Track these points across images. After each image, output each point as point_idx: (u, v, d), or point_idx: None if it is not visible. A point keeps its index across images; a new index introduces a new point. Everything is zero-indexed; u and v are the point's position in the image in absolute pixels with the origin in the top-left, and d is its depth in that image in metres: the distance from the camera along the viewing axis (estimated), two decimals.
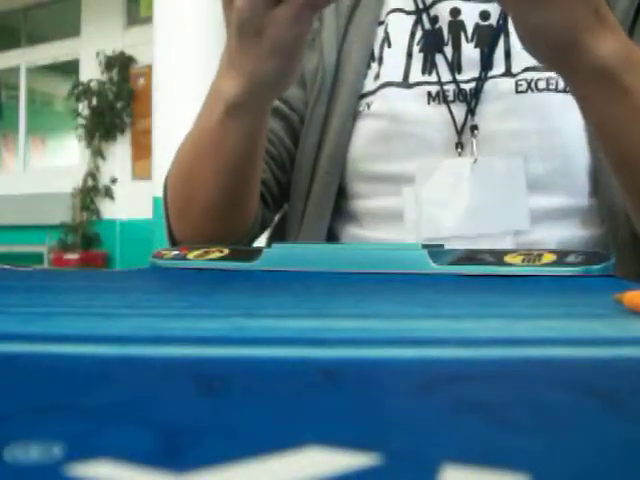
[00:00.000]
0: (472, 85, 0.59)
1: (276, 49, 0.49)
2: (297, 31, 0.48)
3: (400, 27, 0.63)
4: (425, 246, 0.43)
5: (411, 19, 0.63)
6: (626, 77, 0.45)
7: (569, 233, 0.57)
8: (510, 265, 0.40)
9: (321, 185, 0.63)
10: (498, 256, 0.41)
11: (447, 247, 0.46)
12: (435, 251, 0.42)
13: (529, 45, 0.47)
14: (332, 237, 0.65)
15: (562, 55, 0.46)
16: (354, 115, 0.63)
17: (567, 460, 0.09)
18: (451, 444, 0.10)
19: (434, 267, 0.41)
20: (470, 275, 0.40)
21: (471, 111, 0.59)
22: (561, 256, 0.40)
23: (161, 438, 0.10)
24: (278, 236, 0.69)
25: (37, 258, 6.10)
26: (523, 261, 0.40)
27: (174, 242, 0.61)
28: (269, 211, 0.65)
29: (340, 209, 0.65)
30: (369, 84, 0.63)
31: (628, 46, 0.46)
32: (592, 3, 0.44)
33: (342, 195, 0.64)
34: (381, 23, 0.65)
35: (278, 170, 0.65)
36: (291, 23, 0.47)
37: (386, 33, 0.64)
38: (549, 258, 0.40)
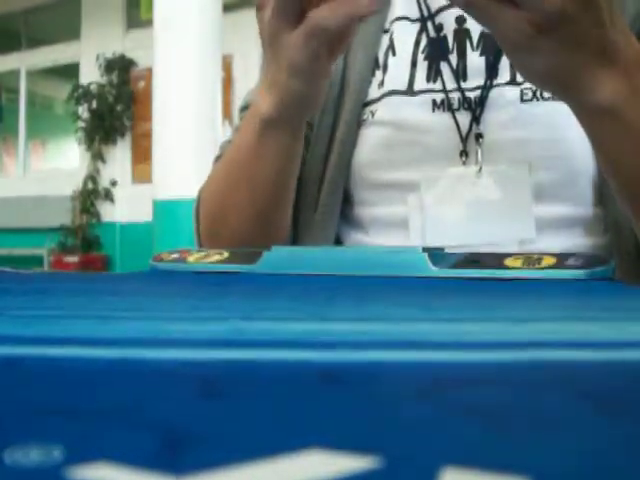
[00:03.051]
0: (477, 93, 0.59)
1: (293, 70, 0.50)
2: (307, 54, 0.48)
3: (405, 35, 0.63)
4: (425, 249, 0.43)
5: (416, 27, 0.63)
6: (629, 113, 0.45)
7: (573, 242, 0.57)
8: (510, 269, 0.40)
9: (328, 193, 0.63)
10: (498, 260, 0.41)
11: (447, 251, 0.46)
12: (435, 254, 0.42)
13: (529, 82, 0.47)
14: (338, 244, 0.65)
15: (562, 94, 0.47)
16: (358, 123, 0.63)
17: (567, 463, 0.09)
18: (451, 447, 0.10)
19: (434, 270, 0.41)
20: (470, 278, 0.40)
21: (476, 119, 0.59)
22: (561, 259, 0.40)
23: (162, 441, 0.10)
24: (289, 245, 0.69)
25: (37, 261, 6.10)
26: (523, 264, 0.40)
27: None
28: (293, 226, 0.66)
29: (346, 216, 0.65)
30: (373, 92, 0.63)
31: (633, 81, 0.45)
32: (599, 44, 0.43)
33: (348, 202, 0.65)
34: (386, 31, 0.65)
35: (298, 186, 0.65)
36: (301, 46, 0.48)
37: (391, 41, 0.64)
38: (549, 261, 0.40)
